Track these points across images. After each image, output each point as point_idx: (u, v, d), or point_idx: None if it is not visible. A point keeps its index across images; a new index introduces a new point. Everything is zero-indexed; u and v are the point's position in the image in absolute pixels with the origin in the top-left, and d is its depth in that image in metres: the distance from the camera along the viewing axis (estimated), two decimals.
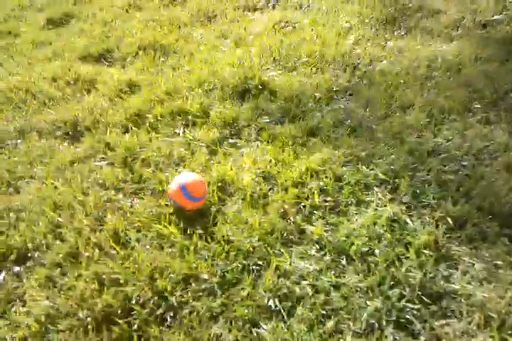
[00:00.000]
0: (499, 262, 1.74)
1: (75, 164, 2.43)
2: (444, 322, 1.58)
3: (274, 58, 3.34)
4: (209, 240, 1.91)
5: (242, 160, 2.39)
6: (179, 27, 4.01)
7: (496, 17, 3.38)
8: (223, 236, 1.92)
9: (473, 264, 1.75)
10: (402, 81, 2.90)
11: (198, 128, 2.69)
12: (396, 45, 3.31)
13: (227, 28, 3.95)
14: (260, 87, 3.00)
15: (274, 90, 2.96)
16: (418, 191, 2.06)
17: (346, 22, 3.67)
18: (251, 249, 1.86)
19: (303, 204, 2.07)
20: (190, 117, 2.79)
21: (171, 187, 2.07)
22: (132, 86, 3.17)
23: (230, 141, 2.58)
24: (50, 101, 3.08)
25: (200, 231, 1.94)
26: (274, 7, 4.34)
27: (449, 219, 1.90)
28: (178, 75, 3.23)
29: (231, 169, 2.31)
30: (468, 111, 2.55)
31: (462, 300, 1.63)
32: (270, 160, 2.35)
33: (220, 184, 2.23)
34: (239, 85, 3.02)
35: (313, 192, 2.11)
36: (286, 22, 3.91)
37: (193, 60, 3.43)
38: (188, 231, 1.94)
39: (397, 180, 2.13)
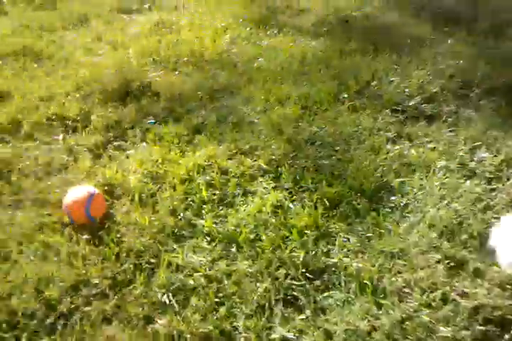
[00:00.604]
0: (370, 234, 1.93)
1: None
2: (327, 294, 1.72)
3: (154, 59, 3.35)
4: (97, 244, 1.88)
5: (128, 162, 2.38)
6: (51, 31, 3.83)
7: (355, 13, 3.70)
8: (112, 239, 1.90)
9: (349, 239, 1.92)
10: (278, 77, 3.07)
11: (80, 133, 2.62)
12: (270, 43, 3.49)
13: (103, 30, 3.86)
14: (142, 89, 3.00)
15: (157, 91, 2.97)
16: (298, 177, 2.21)
17: (222, 22, 3.78)
18: (142, 248, 1.87)
19: (191, 199, 2.12)
20: (69, 122, 2.70)
21: (73, 201, 1.99)
22: (2, 95, 2.97)
23: (115, 143, 2.54)
24: None
25: (87, 237, 1.90)
26: (150, 8, 4.33)
27: (325, 200, 2.06)
28: (53, 81, 3.10)
29: (117, 172, 2.28)
30: (338, 101, 2.77)
31: (341, 273, 1.78)
32: (157, 160, 2.36)
33: (106, 188, 2.20)
34: (119, 88, 2.98)
35: (201, 187, 2.17)
36: (164, 23, 3.93)
37: (68, 65, 3.31)
38: (75, 238, 1.90)
39: (279, 169, 2.26)
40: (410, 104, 2.68)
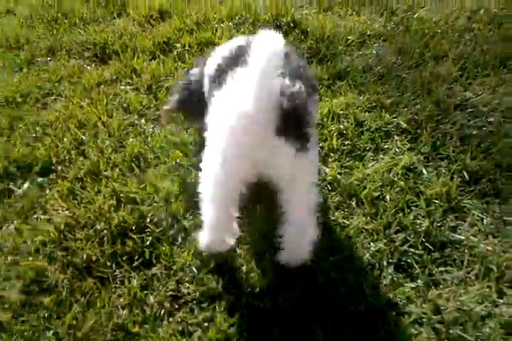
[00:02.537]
0: (509, 218, 1.75)
1: (102, 86, 2.45)
2: (443, 269, 1.62)
3: None
4: None
5: None
6: None
7: None
8: None
9: (482, 219, 1.77)
10: (439, 30, 2.80)
11: None
12: None
13: None
14: (292, 25, 2.92)
15: (306, 29, 2.88)
16: (438, 143, 2.05)
17: None
18: None
19: (320, 145, 2.09)
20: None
21: None
22: (163, 13, 3.10)
23: None
24: (80, 21, 3.05)
25: None
26: None
27: (464, 173, 1.90)
28: (210, 5, 3.14)
29: None
30: (504, 67, 2.46)
31: (465, 251, 1.66)
32: None
33: None
34: (270, 21, 2.94)
35: (332, 135, 2.11)
36: None
37: None
38: None
39: (418, 131, 2.12)
40: None
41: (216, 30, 2.87)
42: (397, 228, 1.74)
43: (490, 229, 1.73)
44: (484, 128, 2.11)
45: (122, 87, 2.43)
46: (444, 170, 1.95)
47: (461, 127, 2.12)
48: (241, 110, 1.26)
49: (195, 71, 1.86)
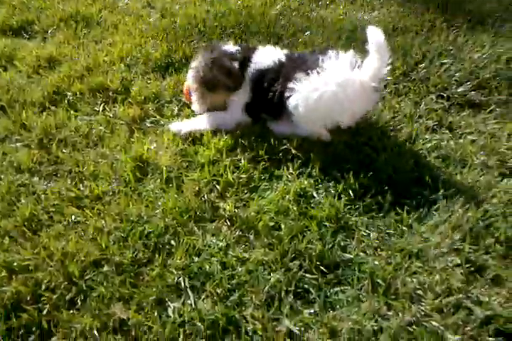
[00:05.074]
0: (391, 231, 1.88)
1: None
2: (338, 289, 1.72)
3: (200, 30, 3.30)
4: (123, 220, 1.97)
5: (162, 138, 2.42)
6: None
7: None
8: (137, 216, 1.98)
9: (369, 234, 1.89)
10: None
11: (119, 105, 2.68)
12: (320, 14, 3.33)
13: None
14: (184, 61, 2.99)
15: None
16: (326, 165, 2.17)
17: None
18: (163, 228, 1.93)
19: (217, 181, 2.14)
20: (110, 94, 2.76)
21: None
22: (52, 61, 3.07)
23: (152, 118, 2.59)
24: None
25: (114, 212, 1.99)
26: None
27: (350, 191, 2.03)
28: (100, 49, 3.15)
29: (148, 148, 2.33)
30: None
31: (355, 268, 1.77)
32: (188, 138, 2.39)
33: (138, 163, 2.26)
34: (162, 59, 2.99)
35: (228, 169, 2.18)
36: None
37: (116, 33, 3.34)
38: (101, 214, 1.99)
39: (308, 155, 2.22)
40: (458, 90, 2.51)
41: (107, 74, 2.89)
42: (293, 255, 1.82)
43: (376, 243, 1.85)
44: (366, 146, 2.25)
45: (12, 145, 2.38)
46: (332, 191, 2.06)
47: (345, 146, 2.25)
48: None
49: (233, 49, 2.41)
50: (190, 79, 2.47)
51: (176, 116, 2.60)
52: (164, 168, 2.20)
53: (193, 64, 2.46)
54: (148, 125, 2.55)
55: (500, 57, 2.71)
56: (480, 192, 1.99)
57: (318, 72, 2.12)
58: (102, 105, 2.68)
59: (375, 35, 2.03)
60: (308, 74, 2.13)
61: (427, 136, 2.31)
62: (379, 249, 1.84)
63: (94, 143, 2.42)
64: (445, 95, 2.51)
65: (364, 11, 3.32)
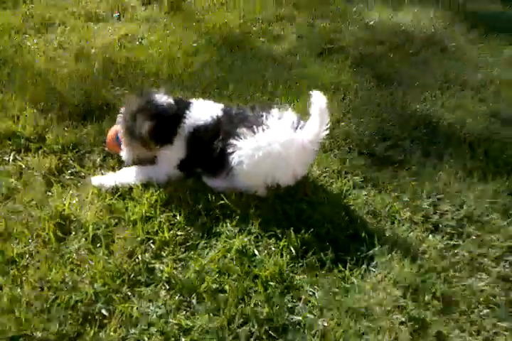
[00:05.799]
0: (335, 289, 1.88)
1: None
2: None
3: (120, 76, 3.18)
4: (44, 288, 1.72)
5: (84, 191, 2.22)
6: (9, 35, 3.58)
7: None
8: (61, 282, 1.75)
9: (314, 293, 1.86)
10: None
11: (32, 155, 2.43)
12: (243, 68, 3.41)
13: (67, 38, 3.66)
14: (105, 108, 2.83)
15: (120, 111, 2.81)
16: (265, 221, 2.13)
17: (194, 42, 3.67)
18: (93, 296, 1.72)
19: (152, 240, 1.99)
20: (22, 141, 2.50)
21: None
22: None
23: (71, 169, 2.38)
24: None
25: (33, 278, 1.74)
26: (119, 19, 4.15)
27: (291, 248, 2.00)
28: (7, 92, 2.87)
29: (70, 203, 2.12)
30: None
31: (305, 331, 1.72)
32: (116, 192, 2.21)
33: (58, 220, 2.03)
34: (80, 105, 2.81)
35: (163, 226, 2.04)
36: (133, 36, 3.77)
37: (26, 74, 3.09)
38: (18, 281, 1.73)
39: (246, 211, 2.17)
40: (377, 148, 2.68)
41: (18, 119, 2.62)
42: (241, 321, 1.71)
43: (323, 303, 1.82)
44: (302, 201, 2.27)
45: None
46: (273, 248, 2.02)
47: (282, 202, 2.24)
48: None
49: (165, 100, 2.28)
50: (118, 125, 2.34)
51: (98, 167, 2.42)
52: (90, 226, 2.00)
53: (122, 109, 2.34)
54: (68, 177, 2.34)
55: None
56: (412, 247, 2.08)
57: (262, 130, 2.12)
58: (13, 154, 2.42)
59: (318, 100, 2.06)
60: (252, 131, 2.13)
61: (355, 192, 2.39)
62: (325, 309, 1.81)
63: (4, 196, 2.15)
64: (367, 152, 2.66)
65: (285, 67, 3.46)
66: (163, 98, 2.29)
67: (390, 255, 2.02)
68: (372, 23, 4.22)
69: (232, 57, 3.52)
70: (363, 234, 2.11)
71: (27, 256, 1.85)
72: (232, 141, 2.13)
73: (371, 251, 2.04)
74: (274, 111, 2.19)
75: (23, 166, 2.33)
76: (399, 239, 2.12)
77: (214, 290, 1.82)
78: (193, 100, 2.37)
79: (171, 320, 1.69)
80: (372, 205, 2.32)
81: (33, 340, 1.55)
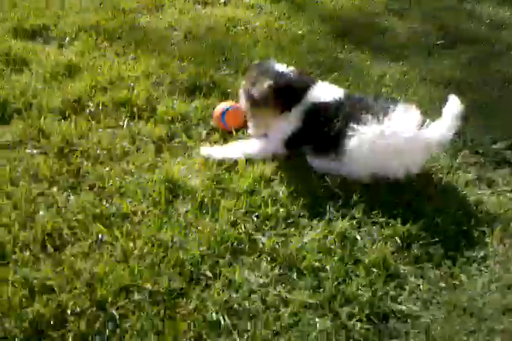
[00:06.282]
0: (443, 284, 1.78)
1: (2, 150, 2.16)
2: None
3: (226, 58, 3.23)
4: (155, 245, 1.77)
5: (191, 161, 2.28)
6: (123, 12, 3.76)
7: None
8: (171, 241, 1.80)
9: (419, 285, 1.78)
10: None
11: (144, 123, 2.53)
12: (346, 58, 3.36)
13: (177, 19, 3.77)
14: (211, 86, 2.89)
15: (226, 91, 2.86)
16: (370, 207, 2.07)
17: (300, 29, 3.66)
18: (199, 257, 1.75)
19: (255, 213, 2.00)
20: (135, 110, 2.61)
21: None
22: (71, 69, 2.90)
23: (178, 139, 2.44)
24: None
25: (145, 235, 1.80)
26: (225, 3, 4.22)
27: (397, 238, 1.92)
28: (123, 63, 3.02)
29: (179, 169, 2.18)
30: None
31: (408, 321, 1.64)
32: (221, 164, 2.25)
33: (168, 184, 2.09)
34: (189, 81, 2.89)
35: (267, 201, 2.04)
36: (239, 20, 3.83)
37: (139, 49, 3.23)
38: (132, 236, 1.79)
39: (350, 195, 2.12)
40: (493, 147, 2.52)
41: (133, 89, 2.74)
42: (342, 301, 1.67)
43: (428, 296, 1.73)
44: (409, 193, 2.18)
45: (28, 151, 2.17)
46: (377, 236, 1.95)
47: (387, 191, 2.17)
48: None
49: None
50: (241, 101, 2.40)
51: (203, 141, 2.47)
52: (198, 192, 2.04)
53: (243, 84, 2.38)
54: (176, 145, 2.40)
55: None
56: None
57: (389, 120, 2.09)
58: (126, 120, 2.53)
59: (454, 105, 2.14)
60: (378, 119, 2.10)
61: (467, 189, 2.26)
62: (430, 303, 1.72)
63: (118, 158, 2.24)
64: (480, 151, 2.51)
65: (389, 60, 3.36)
66: (283, 67, 2.33)
67: (505, 257, 1.89)
68: None
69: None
70: (476, 233, 1.99)
71: (139, 213, 1.92)
72: (354, 125, 2.10)
73: (483, 251, 1.92)
74: (402, 104, 2.16)
75: (136, 132, 2.42)
76: None
77: (315, 268, 1.79)
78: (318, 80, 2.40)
79: (271, 291, 1.69)
80: (486, 205, 2.18)
81: (144, 291, 1.59)
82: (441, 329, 1.60)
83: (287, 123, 2.29)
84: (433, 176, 2.30)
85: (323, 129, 2.19)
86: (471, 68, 3.29)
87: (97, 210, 1.88)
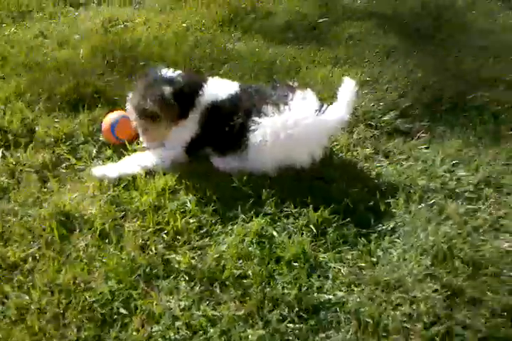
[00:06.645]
0: (362, 264, 1.79)
1: None
2: (323, 335, 1.57)
3: (108, 62, 3.01)
4: (55, 292, 1.61)
5: (83, 185, 2.09)
6: None
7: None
8: (73, 284, 1.64)
9: (340, 270, 1.77)
10: None
11: (22, 150, 2.28)
12: (235, 47, 3.26)
13: (47, 25, 3.45)
14: (96, 96, 2.67)
15: (113, 98, 2.66)
16: (281, 200, 2.03)
17: (183, 22, 3.50)
18: (109, 295, 1.61)
19: (164, 230, 1.88)
20: (9, 137, 2.35)
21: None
22: None
23: (66, 163, 2.24)
24: None
25: (41, 282, 1.62)
26: (99, 3, 3.92)
27: (312, 227, 1.91)
28: None
29: (70, 198, 1.99)
30: None
31: (337, 309, 1.64)
32: (117, 184, 2.09)
33: (60, 217, 1.90)
34: (69, 94, 2.65)
35: (174, 215, 1.93)
36: (117, 20, 3.57)
37: (7, 65, 2.91)
38: (25, 287, 1.61)
39: (259, 192, 2.06)
40: (384, 118, 2.58)
41: (4, 113, 2.47)
42: (270, 305, 1.63)
43: (350, 279, 1.74)
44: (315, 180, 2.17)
45: None
46: (292, 228, 1.92)
47: (293, 181, 2.14)
48: None
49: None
50: (129, 112, 2.24)
51: (94, 159, 2.29)
52: (96, 221, 1.88)
53: (130, 94, 2.22)
54: (64, 171, 2.20)
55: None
56: (434, 214, 2.01)
57: (289, 109, 2.06)
58: (1, 150, 2.27)
59: (349, 87, 2.15)
60: (278, 109, 2.06)
61: (367, 164, 2.30)
62: (353, 285, 1.73)
63: None
64: (374, 124, 2.56)
65: (277, 44, 3.31)
66: (170, 71, 2.20)
67: (412, 224, 1.94)
68: None
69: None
70: (383, 206, 2.03)
71: (30, 259, 1.73)
72: (255, 118, 2.04)
73: (393, 222, 1.96)
74: (298, 91, 2.12)
75: (14, 163, 2.18)
76: (419, 208, 2.04)
77: (237, 277, 1.72)
78: (209, 77, 2.30)
79: (195, 312, 1.60)
80: (387, 176, 2.23)
81: None
82: (369, 309, 1.61)
83: (185, 130, 2.19)
84: (334, 157, 2.31)
85: (225, 128, 2.12)
86: (353, 44, 3.33)
87: None
